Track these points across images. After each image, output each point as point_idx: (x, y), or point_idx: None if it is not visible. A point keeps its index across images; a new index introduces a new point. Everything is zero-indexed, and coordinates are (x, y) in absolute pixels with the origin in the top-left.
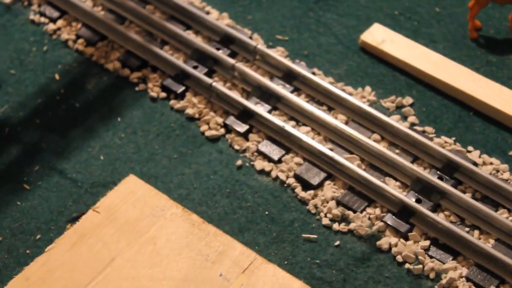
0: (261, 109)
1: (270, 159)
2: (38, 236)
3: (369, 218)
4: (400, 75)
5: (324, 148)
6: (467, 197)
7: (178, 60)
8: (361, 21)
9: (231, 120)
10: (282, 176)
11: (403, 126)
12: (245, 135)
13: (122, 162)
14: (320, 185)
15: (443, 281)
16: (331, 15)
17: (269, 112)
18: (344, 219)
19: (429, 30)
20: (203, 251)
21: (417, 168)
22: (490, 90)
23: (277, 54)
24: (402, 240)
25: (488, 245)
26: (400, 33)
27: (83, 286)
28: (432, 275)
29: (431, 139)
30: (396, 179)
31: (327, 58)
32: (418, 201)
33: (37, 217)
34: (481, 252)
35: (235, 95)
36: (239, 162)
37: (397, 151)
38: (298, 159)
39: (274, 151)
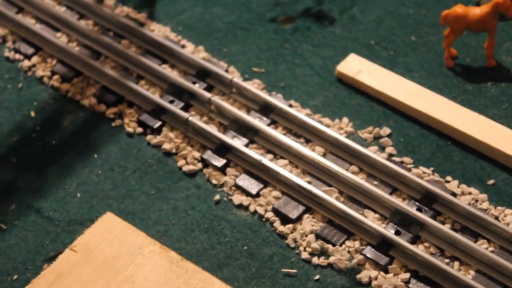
0: (238, 142)
1: (248, 193)
2: (15, 277)
3: (349, 251)
4: (377, 105)
5: (302, 181)
6: (446, 228)
7: (154, 95)
8: (337, 52)
9: (208, 155)
10: (261, 210)
11: (381, 158)
12: (222, 170)
13: (99, 199)
14: (299, 219)
15: None
16: (307, 46)
17: (246, 145)
18: (323, 253)
19: (405, 59)
20: None
21: (395, 200)
22: (468, 119)
23: (254, 86)
24: (382, 273)
25: (468, 276)
26: (376, 63)
27: None
28: None
29: (409, 170)
30: (375, 211)
31: (304, 89)
32: (397, 233)
33: (14, 257)
34: (461, 284)
35: (212, 129)
36: (217, 197)
37: (376, 182)
38: (276, 193)
39: (252, 185)
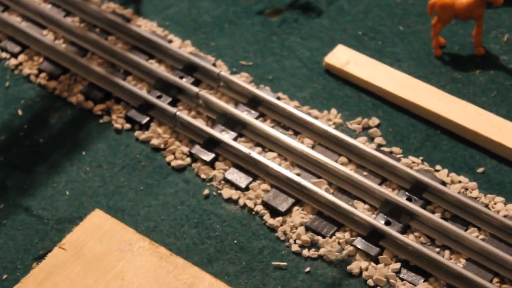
0: (227, 136)
1: (237, 187)
2: (5, 276)
3: (339, 243)
4: (366, 96)
5: (291, 174)
6: (436, 217)
7: (141, 90)
8: (325, 43)
9: (197, 149)
10: (250, 204)
11: (370, 148)
12: (211, 164)
13: (88, 196)
14: (289, 211)
15: None
16: (294, 38)
17: (235, 139)
18: (313, 245)
19: (393, 49)
20: (171, 284)
21: (385, 190)
22: (457, 108)
23: (241, 80)
24: (372, 263)
25: (459, 265)
26: (364, 53)
27: None
28: None
29: (398, 159)
30: (364, 202)
31: (292, 81)
32: (387, 223)
33: (3, 257)
34: (452, 273)
35: (200, 123)
36: (206, 191)
37: (365, 173)
38: (265, 186)
39: (241, 179)
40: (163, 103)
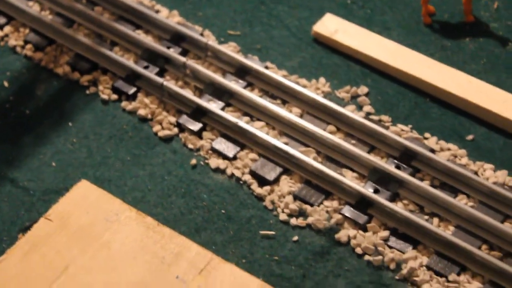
0: (214, 106)
1: (225, 157)
2: None
3: (327, 211)
4: (355, 64)
5: (279, 143)
6: (425, 184)
7: (128, 61)
8: (313, 12)
9: (184, 119)
10: (238, 173)
11: (358, 116)
12: (198, 134)
13: (74, 167)
14: (276, 180)
15: (404, 271)
16: (282, 7)
17: (223, 109)
18: (301, 214)
19: (382, 17)
20: (158, 254)
21: (374, 158)
22: (446, 75)
23: (229, 49)
24: (360, 231)
25: (448, 232)
26: (353, 22)
27: None
28: (392, 266)
29: (387, 127)
30: (353, 170)
31: (280, 51)
32: (376, 191)
33: None
34: (441, 240)
35: (187, 93)
36: (193, 161)
37: (353, 141)
38: (253, 155)
39: (229, 148)
40: (150, 73)
